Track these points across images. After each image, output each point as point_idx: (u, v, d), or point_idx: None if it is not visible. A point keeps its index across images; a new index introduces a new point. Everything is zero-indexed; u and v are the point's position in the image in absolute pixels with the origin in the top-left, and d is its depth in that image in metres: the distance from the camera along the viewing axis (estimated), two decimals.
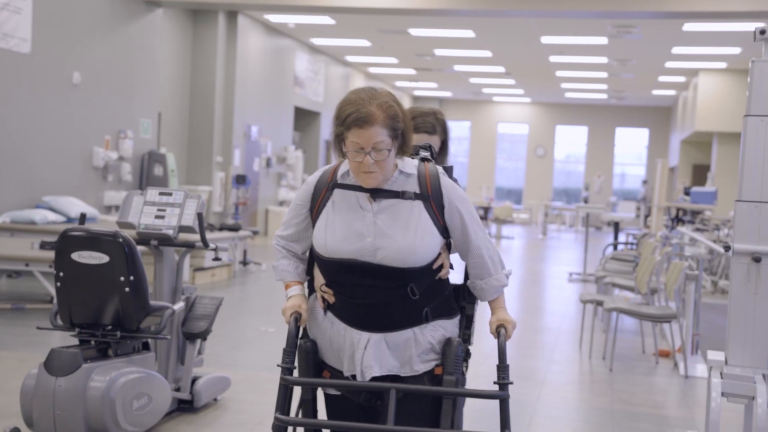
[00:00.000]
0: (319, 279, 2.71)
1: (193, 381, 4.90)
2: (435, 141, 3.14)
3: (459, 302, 2.83)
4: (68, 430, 3.87)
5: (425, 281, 2.63)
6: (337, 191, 2.66)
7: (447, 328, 2.69)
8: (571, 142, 29.82)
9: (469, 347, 2.83)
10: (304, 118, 20.06)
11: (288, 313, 2.68)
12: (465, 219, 2.66)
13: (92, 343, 4.17)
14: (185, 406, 4.87)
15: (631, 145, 29.44)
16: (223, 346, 6.63)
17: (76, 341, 4.25)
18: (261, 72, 16.42)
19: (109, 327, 4.17)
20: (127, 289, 4.09)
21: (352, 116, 2.51)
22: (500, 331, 2.67)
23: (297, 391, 2.77)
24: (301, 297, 2.73)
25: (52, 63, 10.48)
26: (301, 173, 18.56)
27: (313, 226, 2.70)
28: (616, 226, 14.26)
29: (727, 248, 3.98)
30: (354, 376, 2.65)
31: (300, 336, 2.74)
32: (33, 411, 3.93)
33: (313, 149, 20.44)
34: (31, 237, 8.84)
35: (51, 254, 7.47)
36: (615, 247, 12.71)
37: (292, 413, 2.73)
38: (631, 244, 12.91)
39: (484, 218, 20.62)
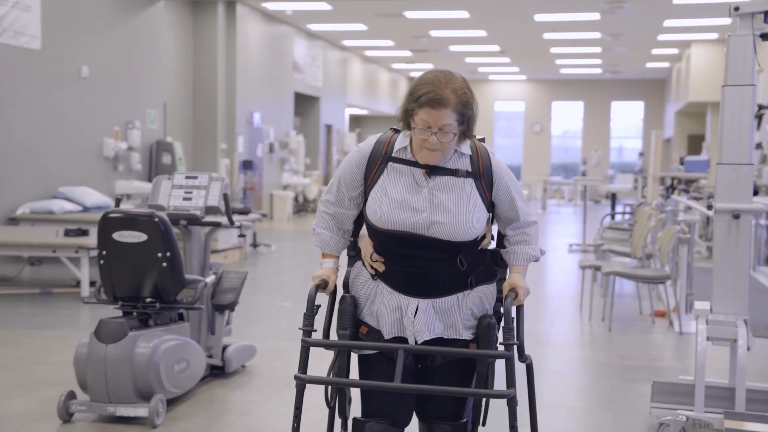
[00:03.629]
0: (368, 249, 2.83)
1: (224, 349, 5.31)
2: None
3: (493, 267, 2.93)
4: (119, 392, 4.28)
5: (472, 252, 2.77)
6: (391, 164, 2.77)
7: (487, 294, 2.82)
8: (568, 117, 30.17)
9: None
10: (304, 103, 20.39)
11: (315, 280, 2.83)
12: (513, 195, 2.80)
13: (134, 314, 4.57)
14: (217, 372, 5.29)
15: (627, 118, 29.77)
16: (242, 321, 7.01)
17: (103, 317, 4.50)
18: (261, 59, 16.75)
19: (149, 299, 4.57)
20: (164, 264, 4.48)
21: (427, 96, 2.61)
22: (509, 294, 2.76)
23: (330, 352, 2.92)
24: (332, 270, 2.87)
25: (61, 58, 10.84)
26: (303, 158, 18.90)
27: (365, 196, 2.81)
28: (614, 198, 14.65)
29: (710, 207, 4.38)
30: (395, 339, 2.76)
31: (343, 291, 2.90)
32: (87, 375, 4.33)
33: (313, 134, 20.78)
34: (51, 226, 9.23)
35: (76, 240, 7.89)
36: (612, 217, 13.11)
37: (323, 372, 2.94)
38: (628, 213, 13.29)
39: None
